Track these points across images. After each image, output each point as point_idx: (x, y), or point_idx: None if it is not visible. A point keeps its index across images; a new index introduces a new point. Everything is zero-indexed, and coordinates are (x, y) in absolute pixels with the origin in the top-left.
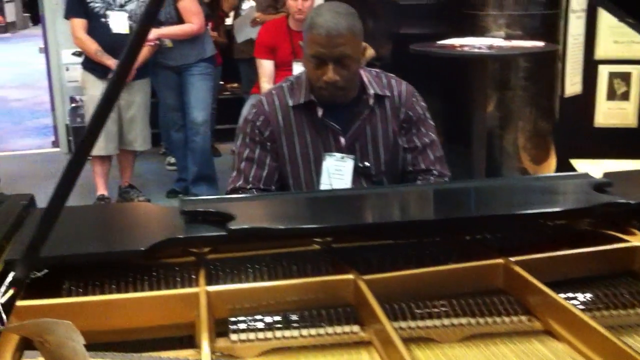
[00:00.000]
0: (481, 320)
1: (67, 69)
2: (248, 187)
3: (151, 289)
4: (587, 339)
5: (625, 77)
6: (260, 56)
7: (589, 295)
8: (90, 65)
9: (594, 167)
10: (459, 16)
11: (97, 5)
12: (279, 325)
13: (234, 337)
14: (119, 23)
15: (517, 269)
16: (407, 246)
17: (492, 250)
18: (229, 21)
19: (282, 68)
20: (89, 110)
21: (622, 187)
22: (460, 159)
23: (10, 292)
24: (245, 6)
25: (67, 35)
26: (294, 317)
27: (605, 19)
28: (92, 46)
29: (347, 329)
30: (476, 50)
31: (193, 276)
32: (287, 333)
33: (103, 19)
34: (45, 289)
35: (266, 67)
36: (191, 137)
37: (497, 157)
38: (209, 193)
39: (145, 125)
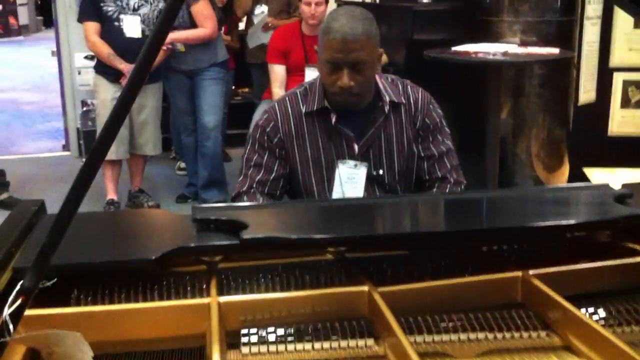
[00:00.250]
0: (498, 335)
1: (79, 73)
2: (252, 191)
3: (161, 298)
4: (608, 355)
5: None
6: (273, 61)
7: (609, 310)
8: (103, 68)
9: (608, 176)
10: (474, 22)
11: (110, 9)
12: (291, 338)
13: (245, 349)
14: (132, 27)
15: (536, 282)
16: (423, 257)
17: (510, 262)
18: (242, 26)
19: (294, 73)
20: (101, 114)
21: None
22: (473, 166)
23: (19, 301)
24: (257, 11)
25: (80, 39)
26: (307, 330)
27: (621, 26)
28: (105, 50)
29: (361, 342)
30: (491, 56)
31: (204, 286)
32: (299, 346)
33: (116, 23)
34: (54, 297)
35: (278, 72)
36: (202, 142)
37: (509, 164)
38: (219, 198)
39: (157, 130)
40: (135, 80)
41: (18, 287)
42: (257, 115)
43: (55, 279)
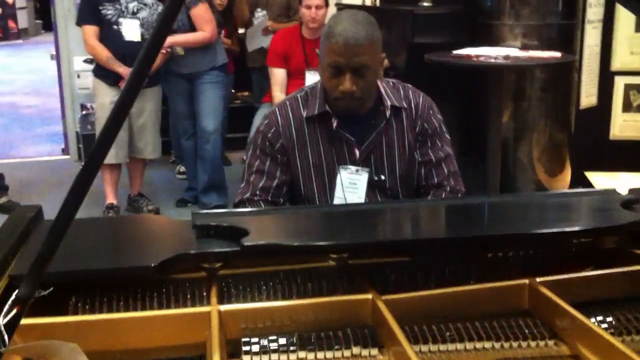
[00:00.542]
0: (505, 344)
1: (79, 76)
2: (255, 198)
3: (161, 306)
4: None
5: None
6: (273, 64)
7: (618, 318)
8: (102, 72)
9: (610, 181)
10: (475, 26)
11: (109, 12)
12: (294, 347)
13: (246, 358)
14: (131, 31)
15: (543, 289)
16: (427, 264)
17: (516, 269)
18: (242, 29)
19: (294, 77)
20: (100, 117)
21: None
22: (474, 170)
23: (14, 311)
24: (257, 14)
25: (79, 42)
26: (310, 339)
27: (622, 30)
28: (104, 53)
29: (365, 351)
30: (492, 60)
31: (204, 293)
32: (302, 355)
33: (115, 27)
34: (51, 305)
35: (278, 75)
36: (202, 146)
37: (511, 168)
38: (219, 202)
39: (156, 133)
40: (134, 83)
41: (13, 296)
42: (258, 119)
43: (52, 288)
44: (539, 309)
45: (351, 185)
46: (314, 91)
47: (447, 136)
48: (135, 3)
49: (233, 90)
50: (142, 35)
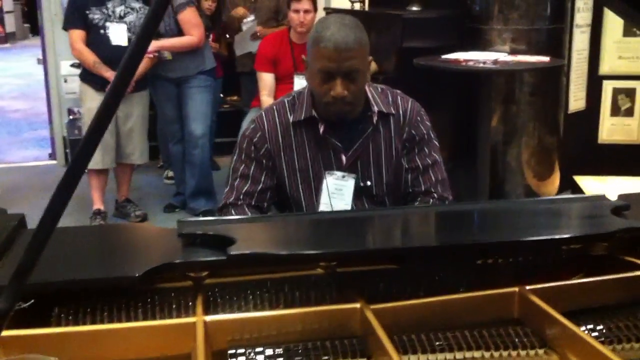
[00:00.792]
0: (495, 354)
1: (66, 81)
2: (239, 203)
3: (145, 316)
4: None
5: (630, 93)
6: (261, 69)
7: (609, 326)
8: (89, 77)
9: (598, 184)
10: (464, 30)
11: (96, 16)
12: (281, 359)
13: None
14: (118, 35)
15: (533, 297)
16: (416, 272)
17: (506, 277)
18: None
19: (283, 81)
20: (87, 122)
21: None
22: (463, 174)
23: None
24: (246, 20)
25: (66, 47)
26: (297, 350)
27: (610, 34)
28: (91, 58)
29: None
30: (481, 64)
31: (190, 303)
32: None
33: (102, 31)
34: (34, 315)
35: (267, 80)
36: (190, 151)
37: (500, 172)
38: (207, 207)
39: (143, 138)
40: (118, 86)
41: None
42: (246, 124)
43: (32, 300)
44: (529, 317)
45: (337, 191)
46: (301, 96)
47: (436, 142)
48: (122, 7)
49: (222, 95)
50: (130, 40)
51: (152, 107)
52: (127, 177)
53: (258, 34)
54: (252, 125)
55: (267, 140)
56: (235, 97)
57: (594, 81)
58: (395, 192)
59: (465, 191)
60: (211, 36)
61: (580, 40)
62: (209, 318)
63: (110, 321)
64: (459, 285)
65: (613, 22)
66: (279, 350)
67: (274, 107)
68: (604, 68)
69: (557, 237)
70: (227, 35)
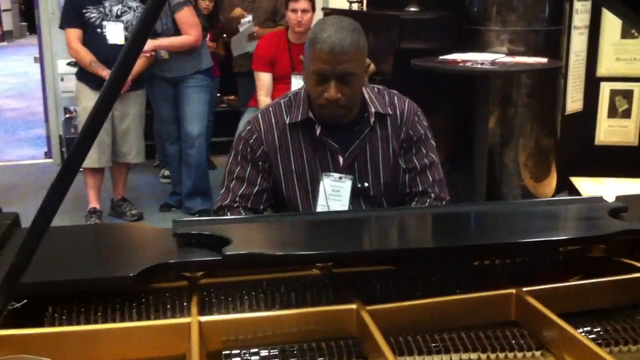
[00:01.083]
0: (492, 355)
1: (62, 79)
2: (235, 205)
3: (140, 316)
4: None
5: (627, 95)
6: (259, 69)
7: (606, 329)
8: (85, 76)
9: (595, 186)
10: (462, 31)
11: (93, 15)
12: None
13: None
14: (115, 34)
15: (530, 299)
16: (413, 273)
17: (503, 279)
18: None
19: (280, 81)
20: (83, 121)
21: (637, 211)
22: (461, 175)
23: None
24: (243, 20)
25: (63, 45)
26: (293, 351)
27: (608, 36)
28: (87, 57)
29: None
30: (479, 66)
31: (185, 303)
32: None
33: (99, 30)
34: (27, 315)
35: (264, 79)
36: (186, 150)
37: (497, 173)
38: (203, 207)
39: (140, 138)
40: (114, 85)
41: None
42: (243, 124)
43: (25, 300)
44: (526, 319)
45: (334, 193)
46: (297, 97)
47: (433, 143)
48: (119, 6)
49: (219, 94)
50: (126, 39)
51: (148, 106)
52: (123, 176)
53: (255, 34)
54: (248, 126)
55: (263, 142)
56: (232, 97)
57: (592, 83)
58: (392, 193)
59: (462, 192)
60: (208, 36)
61: (578, 42)
62: (204, 318)
63: (105, 321)
64: (455, 287)
65: (611, 24)
66: (275, 352)
67: (270, 108)
68: (602, 70)
69: (554, 238)
70: (225, 35)
